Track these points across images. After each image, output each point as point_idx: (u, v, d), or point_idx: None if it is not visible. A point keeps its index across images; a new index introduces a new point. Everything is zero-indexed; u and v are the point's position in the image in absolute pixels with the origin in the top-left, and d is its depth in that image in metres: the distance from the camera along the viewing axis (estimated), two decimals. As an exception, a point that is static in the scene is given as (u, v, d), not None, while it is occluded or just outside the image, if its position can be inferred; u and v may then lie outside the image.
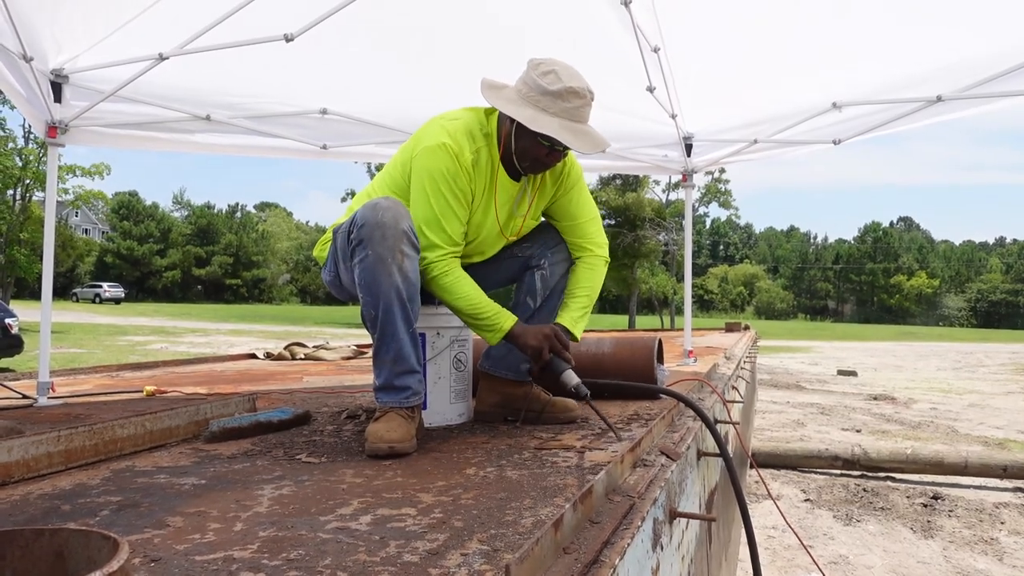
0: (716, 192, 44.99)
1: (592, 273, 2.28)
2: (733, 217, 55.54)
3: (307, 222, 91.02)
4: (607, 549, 1.05)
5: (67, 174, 27.07)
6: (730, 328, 9.25)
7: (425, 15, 3.36)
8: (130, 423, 1.90)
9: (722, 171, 41.92)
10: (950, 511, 5.33)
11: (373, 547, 1.11)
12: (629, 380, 2.66)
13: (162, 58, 2.85)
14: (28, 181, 26.89)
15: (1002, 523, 5.08)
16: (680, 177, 4.65)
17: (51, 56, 3.05)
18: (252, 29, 2.68)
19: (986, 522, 5.09)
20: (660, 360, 2.85)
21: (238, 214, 80.00)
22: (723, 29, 3.59)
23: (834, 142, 4.05)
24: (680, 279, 37.36)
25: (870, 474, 6.29)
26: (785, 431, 8.64)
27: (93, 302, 49.09)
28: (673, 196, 43.20)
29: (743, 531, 2.02)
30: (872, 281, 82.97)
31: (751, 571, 1.87)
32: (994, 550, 4.60)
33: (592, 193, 2.46)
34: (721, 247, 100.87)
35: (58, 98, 3.11)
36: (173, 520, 1.28)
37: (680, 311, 38.29)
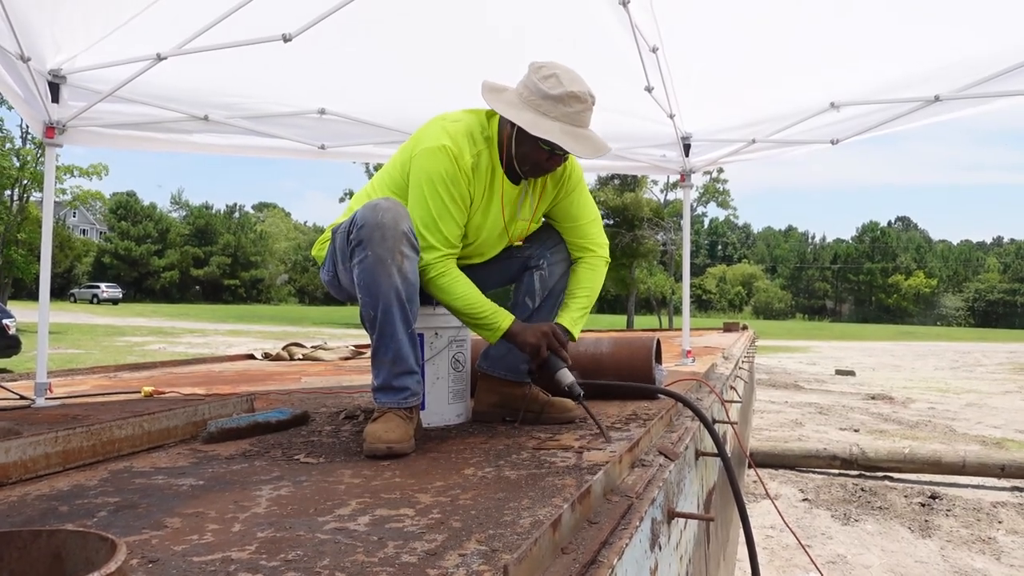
0: (714, 192, 45.06)
1: (593, 274, 2.29)
2: (731, 217, 55.56)
3: (305, 222, 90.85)
4: (605, 549, 1.05)
5: (65, 174, 27.07)
6: (728, 328, 9.27)
7: (424, 15, 3.35)
8: (128, 424, 1.89)
9: (720, 171, 42.00)
10: (948, 510, 5.33)
11: (371, 547, 1.11)
12: (627, 380, 2.66)
13: (160, 58, 2.85)
14: (26, 181, 26.87)
15: (999, 522, 5.09)
16: (678, 177, 4.65)
17: (49, 56, 3.04)
18: (250, 29, 2.68)
19: (984, 521, 5.10)
20: (658, 360, 2.85)
21: (236, 214, 79.87)
22: (722, 29, 3.59)
23: (832, 142, 4.05)
24: (678, 279, 37.34)
25: (868, 474, 6.29)
26: (783, 431, 8.65)
27: (91, 302, 48.95)
28: (671, 196, 43.34)
29: (741, 531, 2.03)
30: (870, 281, 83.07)
31: (749, 571, 1.88)
32: (992, 549, 4.60)
33: (590, 193, 2.46)
34: (719, 247, 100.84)
35: (56, 98, 3.10)
36: (171, 521, 1.27)
37: (678, 311, 38.35)
